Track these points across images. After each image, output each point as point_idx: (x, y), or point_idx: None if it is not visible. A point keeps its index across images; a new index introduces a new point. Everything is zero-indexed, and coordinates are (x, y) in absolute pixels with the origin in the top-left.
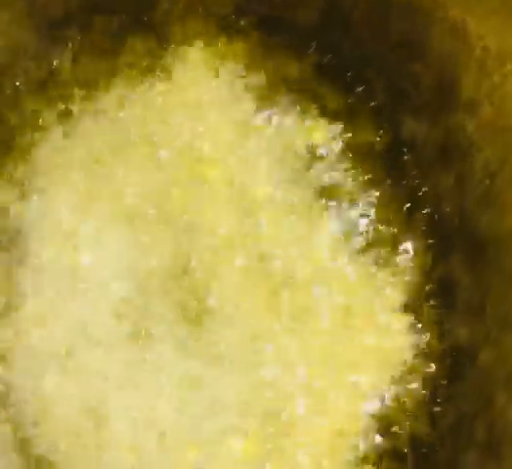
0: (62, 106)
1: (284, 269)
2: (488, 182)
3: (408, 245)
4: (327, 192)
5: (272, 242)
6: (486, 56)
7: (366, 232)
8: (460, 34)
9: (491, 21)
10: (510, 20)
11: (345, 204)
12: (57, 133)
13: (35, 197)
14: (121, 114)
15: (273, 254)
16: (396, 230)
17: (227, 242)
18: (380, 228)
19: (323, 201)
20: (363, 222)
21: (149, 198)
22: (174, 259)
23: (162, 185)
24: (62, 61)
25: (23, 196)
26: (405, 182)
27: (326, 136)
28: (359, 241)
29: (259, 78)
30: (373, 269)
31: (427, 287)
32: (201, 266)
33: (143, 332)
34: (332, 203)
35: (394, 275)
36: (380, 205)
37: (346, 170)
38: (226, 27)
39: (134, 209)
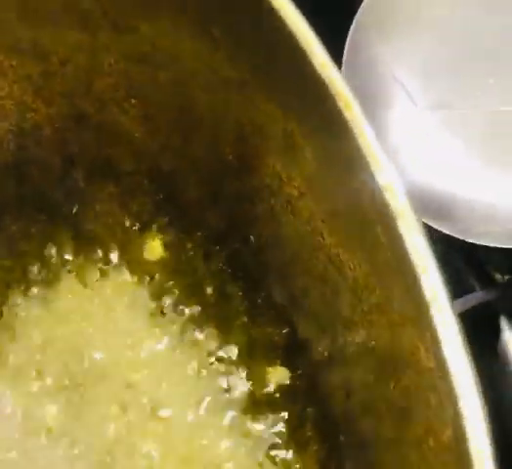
0: None
1: None
2: (365, 393)
3: None
4: None
5: None
6: (356, 286)
7: None
8: (336, 263)
9: (358, 257)
10: (368, 259)
11: None
12: None
13: None
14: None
15: None
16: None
17: None
18: None
19: None
20: None
21: None
22: None
23: None
24: None
25: None
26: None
27: None
28: None
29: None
30: None
31: None
32: None
33: None
34: None
35: None
36: None
37: None
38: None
39: None
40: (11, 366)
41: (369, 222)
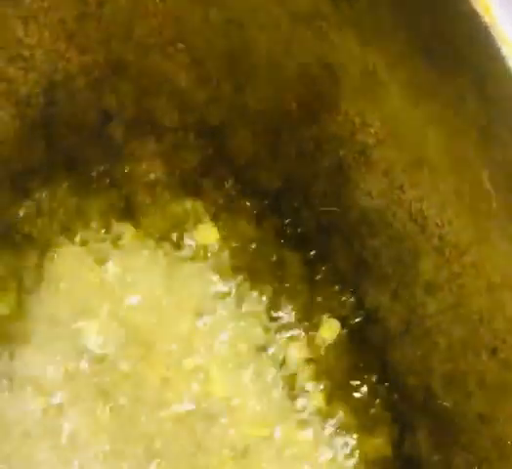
0: None
1: None
2: (450, 366)
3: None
4: None
5: None
6: (444, 244)
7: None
8: (418, 219)
9: (448, 212)
10: (465, 212)
11: None
12: None
13: None
14: None
15: None
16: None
17: None
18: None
19: None
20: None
21: None
22: None
23: None
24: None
25: None
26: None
27: None
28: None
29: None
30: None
31: (394, 463)
32: None
33: None
34: None
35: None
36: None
37: None
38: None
39: None
40: None
41: (472, 166)
